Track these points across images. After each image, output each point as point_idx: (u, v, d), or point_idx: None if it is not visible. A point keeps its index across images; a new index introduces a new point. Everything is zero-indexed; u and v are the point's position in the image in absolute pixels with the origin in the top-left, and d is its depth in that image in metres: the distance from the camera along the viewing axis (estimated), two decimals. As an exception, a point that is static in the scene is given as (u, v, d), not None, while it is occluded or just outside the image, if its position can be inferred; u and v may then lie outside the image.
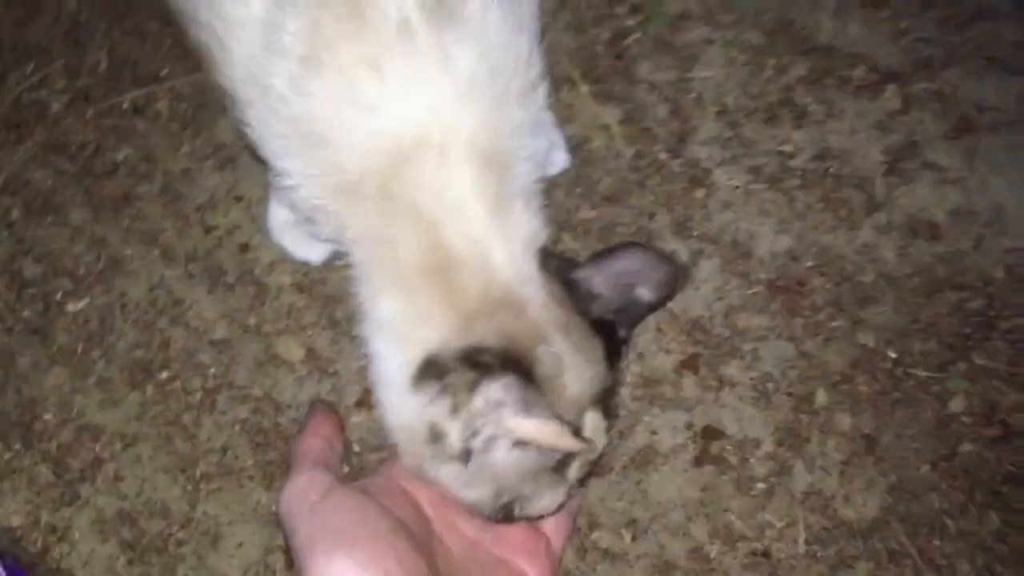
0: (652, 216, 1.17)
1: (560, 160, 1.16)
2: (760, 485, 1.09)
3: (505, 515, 0.86)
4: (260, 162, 1.02)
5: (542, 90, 0.86)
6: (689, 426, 1.11)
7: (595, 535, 1.07)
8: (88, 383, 1.10)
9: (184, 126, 1.20)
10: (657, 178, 1.18)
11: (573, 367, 0.81)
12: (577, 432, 0.79)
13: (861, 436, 1.10)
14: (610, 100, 1.21)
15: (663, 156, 1.19)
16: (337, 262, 1.13)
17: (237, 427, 1.10)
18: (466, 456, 0.80)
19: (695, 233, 1.16)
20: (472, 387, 0.77)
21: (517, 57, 0.82)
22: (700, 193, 1.18)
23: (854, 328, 1.13)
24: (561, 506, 0.87)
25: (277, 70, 0.78)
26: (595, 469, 0.88)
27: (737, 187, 1.18)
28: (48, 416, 1.09)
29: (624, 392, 1.11)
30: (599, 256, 0.87)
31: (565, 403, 0.81)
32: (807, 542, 1.07)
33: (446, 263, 0.79)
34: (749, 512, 1.08)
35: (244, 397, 1.11)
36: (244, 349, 1.12)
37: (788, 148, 1.20)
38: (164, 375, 1.12)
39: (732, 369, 1.12)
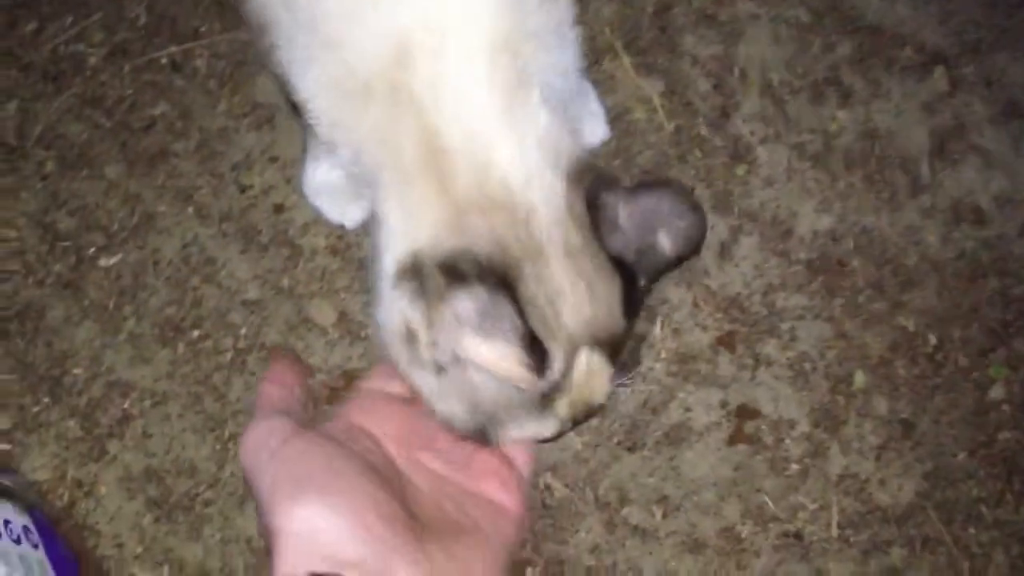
0: (692, 191, 1.15)
1: (600, 131, 1.14)
2: (794, 466, 1.08)
3: (479, 438, 0.81)
4: (297, 117, 1.01)
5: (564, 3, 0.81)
6: (724, 404, 1.09)
7: (625, 511, 1.06)
8: (119, 339, 1.10)
9: (222, 84, 1.19)
10: (698, 152, 1.17)
11: (572, 295, 0.74)
12: (539, 367, 0.72)
13: (898, 420, 1.08)
14: (652, 72, 1.20)
15: (704, 131, 1.17)
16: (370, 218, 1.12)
17: (267, 388, 1.09)
18: (437, 368, 0.75)
19: (735, 209, 1.15)
20: (443, 296, 0.71)
21: None
22: (741, 169, 1.16)
23: (894, 311, 1.11)
24: (549, 440, 0.82)
25: None
26: (594, 412, 0.81)
27: (780, 164, 1.16)
28: (78, 371, 1.08)
29: (658, 367, 1.10)
30: (635, 185, 0.77)
31: (554, 333, 0.74)
32: (840, 526, 1.06)
33: (440, 151, 0.74)
34: (782, 493, 1.07)
35: (275, 359, 1.10)
36: (276, 310, 1.11)
37: (833, 127, 1.18)
38: (195, 334, 1.11)
39: (769, 348, 1.11)
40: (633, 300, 0.78)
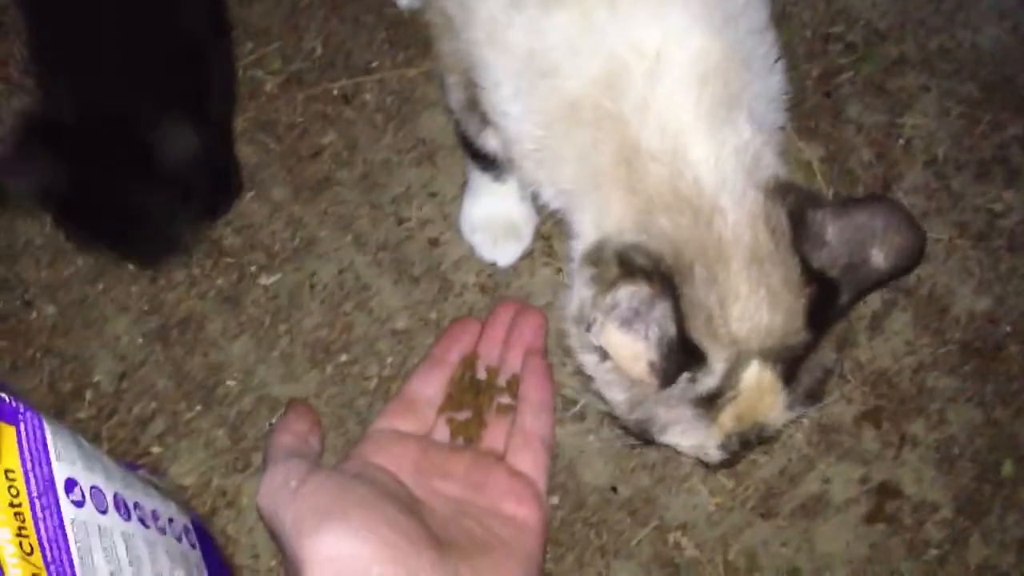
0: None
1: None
2: (933, 551, 1.05)
3: (641, 434, 0.82)
4: (468, 152, 1.04)
5: (770, 35, 0.81)
6: (864, 480, 1.07)
7: (754, 577, 1.05)
8: (272, 355, 1.13)
9: (388, 118, 1.23)
10: (856, 222, 1.15)
11: (748, 300, 0.74)
12: (674, 372, 0.73)
13: (1046, 515, 1.05)
14: (814, 137, 1.19)
15: (864, 200, 1.16)
16: (523, 261, 1.14)
17: (408, 418, 1.11)
18: (602, 353, 0.77)
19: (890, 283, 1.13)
20: (611, 285, 0.73)
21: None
22: (900, 242, 1.14)
23: (1050, 402, 1.08)
24: (720, 465, 0.82)
25: (516, 21, 0.79)
26: (765, 438, 0.81)
27: (940, 240, 1.14)
28: (231, 382, 1.12)
29: (799, 435, 1.08)
30: (843, 202, 0.77)
31: (718, 335, 0.74)
32: (977, 617, 1.03)
33: (635, 156, 0.75)
34: (919, 577, 1.04)
35: (417, 389, 1.12)
36: (422, 341, 1.14)
37: (998, 207, 1.16)
38: (344, 358, 1.14)
39: (916, 427, 1.08)
40: (825, 314, 0.76)
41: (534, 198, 1.00)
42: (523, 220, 1.14)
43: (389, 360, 1.13)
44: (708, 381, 0.76)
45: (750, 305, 0.74)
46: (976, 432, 1.08)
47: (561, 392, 1.09)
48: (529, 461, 0.91)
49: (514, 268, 1.15)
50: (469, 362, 0.99)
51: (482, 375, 0.98)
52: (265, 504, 0.81)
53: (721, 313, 0.74)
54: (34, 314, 1.14)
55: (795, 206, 0.75)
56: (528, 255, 1.15)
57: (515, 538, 0.85)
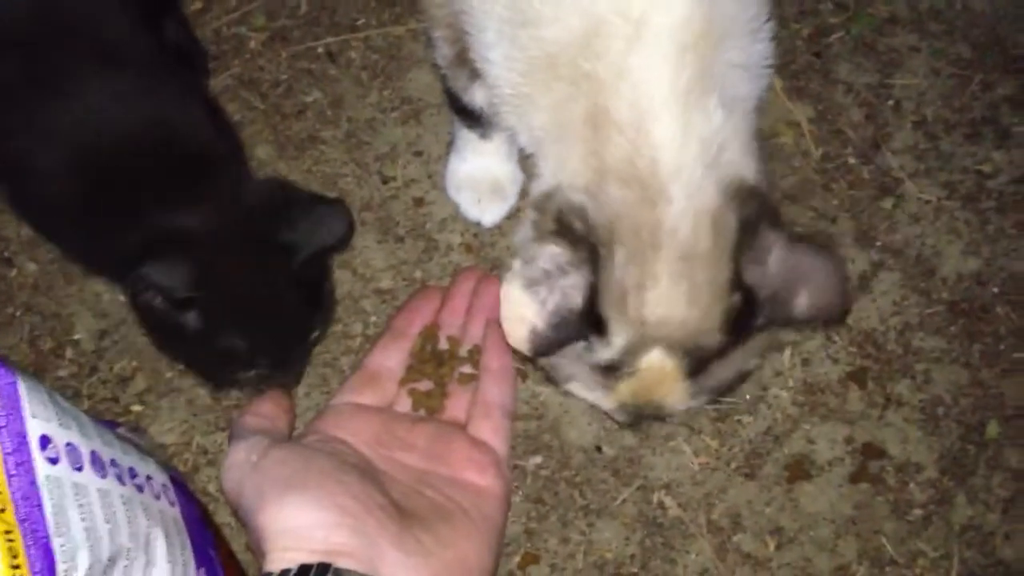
0: (834, 220, 1.12)
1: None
2: (917, 511, 1.04)
3: (549, 378, 0.88)
4: (454, 109, 1.01)
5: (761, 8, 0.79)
6: (849, 440, 1.06)
7: (737, 537, 1.04)
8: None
9: (374, 76, 1.20)
10: (844, 182, 1.14)
11: (667, 292, 0.74)
12: (543, 348, 0.76)
13: (1030, 475, 1.04)
14: (804, 97, 1.17)
15: (853, 160, 1.14)
16: (508, 220, 1.12)
17: (392, 377, 1.09)
18: None
19: (878, 243, 1.11)
20: (542, 237, 0.75)
21: None
22: (888, 203, 1.13)
23: (1037, 363, 1.07)
24: (621, 425, 0.86)
25: None
26: (662, 414, 0.83)
27: (928, 201, 1.12)
28: (213, 342, 1.10)
29: (784, 395, 1.07)
30: (798, 238, 0.77)
31: (627, 315, 0.75)
32: (960, 577, 1.02)
33: (603, 122, 0.74)
34: (902, 538, 1.03)
35: (402, 349, 1.10)
36: (407, 301, 1.12)
37: (987, 168, 1.14)
38: (327, 316, 1.12)
39: (901, 388, 1.07)
40: (742, 325, 0.77)
41: (520, 156, 0.99)
42: (508, 179, 1.12)
43: (373, 319, 1.12)
44: (604, 353, 0.77)
45: (667, 295, 0.74)
46: (961, 393, 1.07)
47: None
48: (490, 430, 0.91)
49: (499, 227, 1.13)
50: (430, 333, 0.97)
51: (444, 346, 0.97)
52: (228, 480, 0.81)
53: (636, 295, 0.74)
54: (14, 271, 1.12)
55: (752, 217, 0.75)
56: (513, 214, 1.12)
57: (476, 506, 0.85)
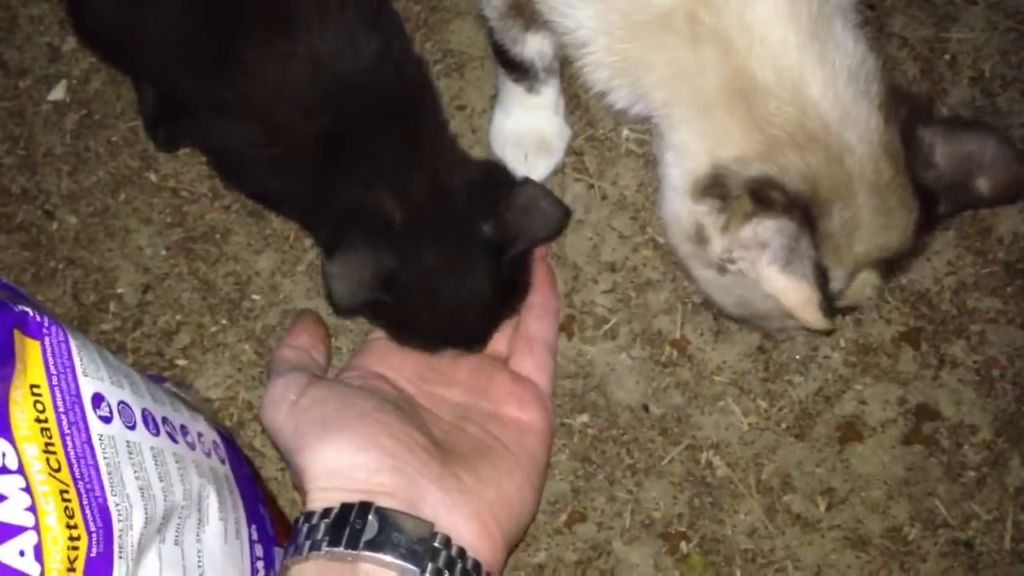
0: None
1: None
2: (971, 473, 1.00)
3: (744, 322, 0.90)
4: (503, 61, 0.96)
5: None
6: (902, 402, 1.02)
7: (787, 498, 1.00)
8: (297, 270, 1.07)
9: (415, 28, 1.15)
10: (898, 139, 1.08)
11: (870, 228, 0.76)
12: (829, 307, 0.75)
13: (1088, 438, 0.99)
14: (857, 51, 1.11)
15: (908, 117, 1.09)
16: (554, 177, 1.07)
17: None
18: (722, 270, 0.79)
19: (933, 202, 1.06)
20: (747, 217, 0.74)
21: None
22: (944, 160, 1.07)
23: (1095, 325, 1.02)
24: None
25: None
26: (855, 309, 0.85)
27: (985, 159, 1.07)
28: (256, 297, 1.06)
29: (835, 356, 1.03)
30: (953, 123, 0.78)
31: (842, 260, 0.77)
32: (1014, 539, 0.98)
33: (751, 90, 0.72)
34: (955, 500, 0.99)
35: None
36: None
37: (1045, 123, 1.08)
38: (371, 272, 1.08)
39: (956, 349, 1.03)
40: (929, 222, 0.79)
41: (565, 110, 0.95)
42: (556, 134, 1.07)
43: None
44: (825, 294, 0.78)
45: (872, 230, 0.76)
46: (1017, 354, 1.02)
47: (594, 310, 1.03)
48: (532, 365, 0.89)
49: (545, 183, 1.08)
50: None
51: None
52: (267, 417, 0.80)
53: (847, 241, 0.76)
54: (55, 224, 1.08)
55: (906, 123, 0.75)
56: (559, 171, 1.08)
57: (517, 442, 0.83)
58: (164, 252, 1.07)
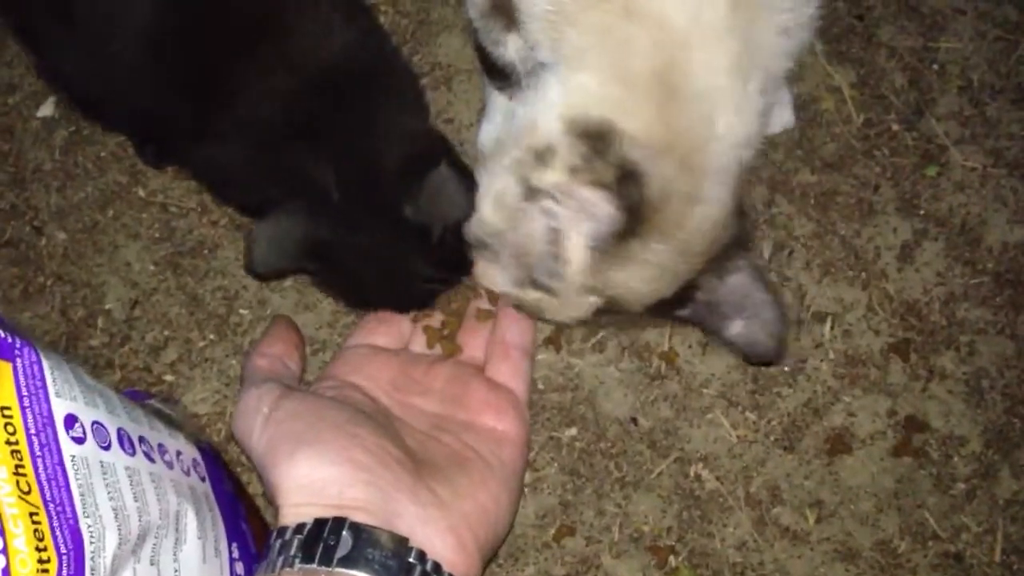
0: (876, 189, 1.06)
1: (784, 118, 1.05)
2: (961, 485, 0.98)
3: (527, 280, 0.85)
4: (486, 67, 0.95)
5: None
6: (891, 413, 1.00)
7: (776, 510, 0.99)
8: (284, 285, 1.06)
9: (403, 41, 1.14)
10: (886, 149, 1.07)
11: (640, 271, 0.78)
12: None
13: (1079, 450, 0.98)
14: (845, 61, 1.10)
15: (896, 127, 1.07)
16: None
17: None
18: (532, 190, 0.78)
19: (921, 212, 1.05)
20: (601, 186, 0.73)
21: None
22: (932, 170, 1.06)
23: (1086, 335, 1.00)
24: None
25: None
26: (617, 309, 0.83)
27: (974, 169, 1.05)
28: (244, 311, 1.05)
29: (824, 367, 1.01)
30: (761, 272, 0.84)
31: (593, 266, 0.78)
32: (1004, 552, 0.96)
33: (678, 84, 0.72)
34: (945, 512, 0.98)
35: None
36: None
37: (1034, 134, 1.07)
38: (359, 286, 1.07)
39: (945, 360, 1.01)
40: (665, 310, 0.85)
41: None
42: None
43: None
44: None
45: (641, 274, 0.79)
46: (1007, 365, 1.01)
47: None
48: (508, 371, 0.88)
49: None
50: None
51: None
52: (239, 430, 0.78)
53: (618, 263, 0.77)
54: (44, 240, 1.07)
55: (734, 235, 0.80)
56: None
57: (493, 452, 0.81)
58: (152, 267, 1.06)
